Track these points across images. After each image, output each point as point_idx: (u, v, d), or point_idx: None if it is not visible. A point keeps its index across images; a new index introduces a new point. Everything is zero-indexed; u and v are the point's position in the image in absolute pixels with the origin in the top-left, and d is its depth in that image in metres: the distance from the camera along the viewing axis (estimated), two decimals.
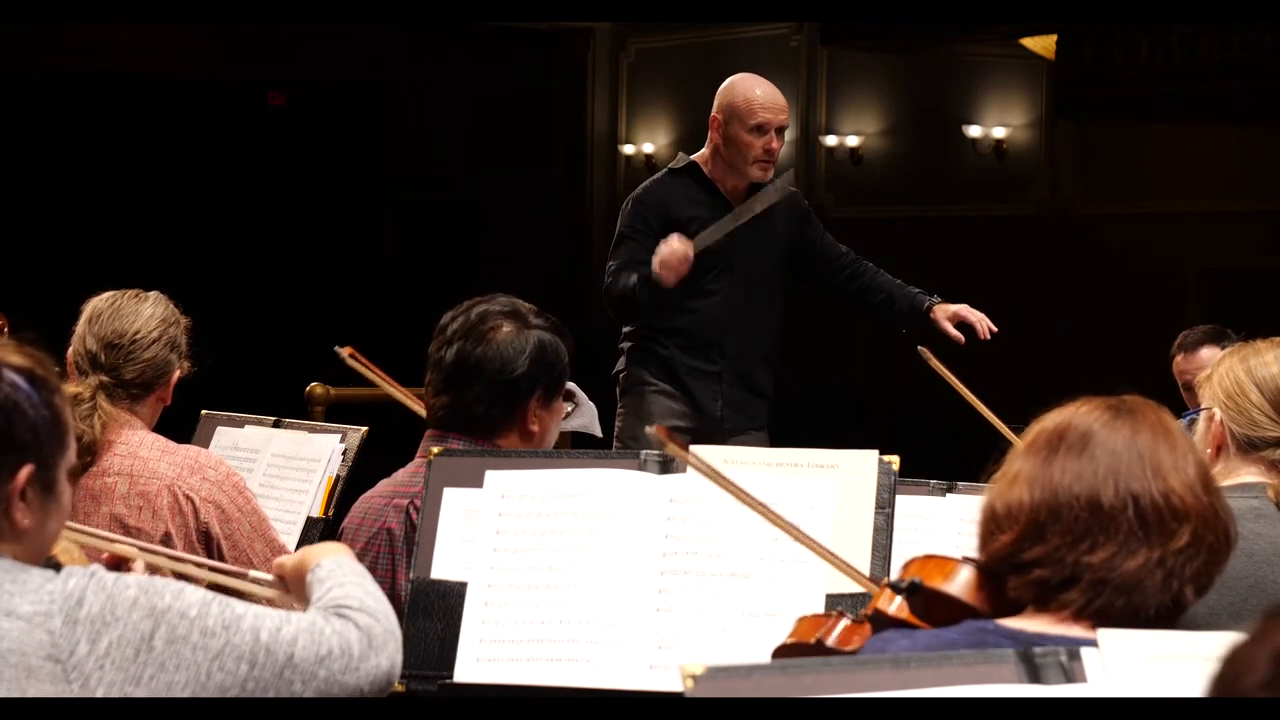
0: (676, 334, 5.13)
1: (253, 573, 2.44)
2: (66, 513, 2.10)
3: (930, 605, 2.10)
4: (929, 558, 2.17)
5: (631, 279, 4.95)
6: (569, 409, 3.32)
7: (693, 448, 2.81)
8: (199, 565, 2.53)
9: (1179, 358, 5.41)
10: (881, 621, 2.14)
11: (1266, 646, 1.30)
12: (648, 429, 2.39)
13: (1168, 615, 1.97)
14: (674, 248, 4.85)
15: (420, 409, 3.72)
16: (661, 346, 5.15)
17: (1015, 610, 2.03)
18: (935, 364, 3.91)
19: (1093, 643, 1.90)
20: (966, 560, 2.11)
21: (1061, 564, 1.96)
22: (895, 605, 2.13)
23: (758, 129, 5.06)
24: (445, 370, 3.17)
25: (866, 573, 2.58)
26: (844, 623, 2.25)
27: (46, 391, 2.05)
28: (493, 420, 3.15)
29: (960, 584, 2.09)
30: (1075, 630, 1.95)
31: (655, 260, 4.85)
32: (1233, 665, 1.32)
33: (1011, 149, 11.89)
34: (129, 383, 3.41)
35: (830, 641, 2.23)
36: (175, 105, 13.40)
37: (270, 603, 2.26)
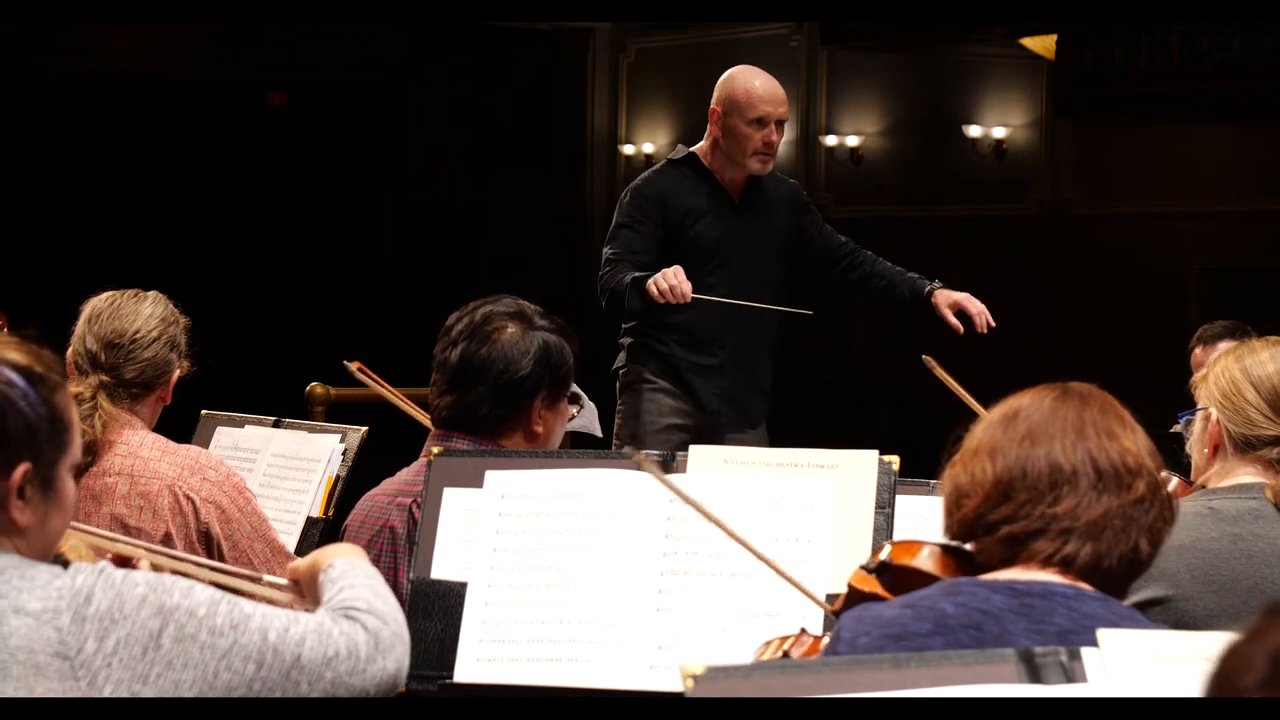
0: (676, 330, 5.11)
1: (267, 577, 2.44)
2: (70, 510, 2.10)
3: (899, 581, 2.17)
4: (898, 541, 2.26)
5: (626, 278, 4.92)
6: (574, 411, 3.32)
7: (692, 448, 2.83)
8: (214, 569, 2.53)
9: (1198, 350, 5.40)
10: (856, 598, 2.21)
11: (1264, 645, 1.29)
12: (625, 449, 2.40)
13: (1128, 566, 2.06)
14: (675, 286, 4.80)
15: (426, 420, 3.72)
16: (661, 343, 5.14)
17: None
18: (940, 373, 3.90)
19: (1063, 587, 2.01)
20: (932, 542, 2.19)
21: (1029, 517, 2.06)
22: (869, 584, 2.22)
23: (757, 122, 5.04)
24: (450, 371, 3.17)
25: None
26: (807, 639, 2.32)
27: (45, 389, 2.04)
28: (497, 421, 3.15)
29: (926, 559, 2.18)
30: (1044, 575, 2.04)
31: (653, 285, 4.81)
32: (1230, 664, 1.31)
33: (1011, 149, 11.89)
34: (129, 382, 3.40)
35: (796, 655, 2.29)
36: (175, 105, 13.41)
37: (290, 607, 2.26)
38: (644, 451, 2.29)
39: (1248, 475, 2.94)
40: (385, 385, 4.00)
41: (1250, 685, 1.28)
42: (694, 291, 4.99)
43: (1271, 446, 2.92)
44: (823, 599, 2.50)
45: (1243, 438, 2.94)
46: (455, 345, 3.18)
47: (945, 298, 5.05)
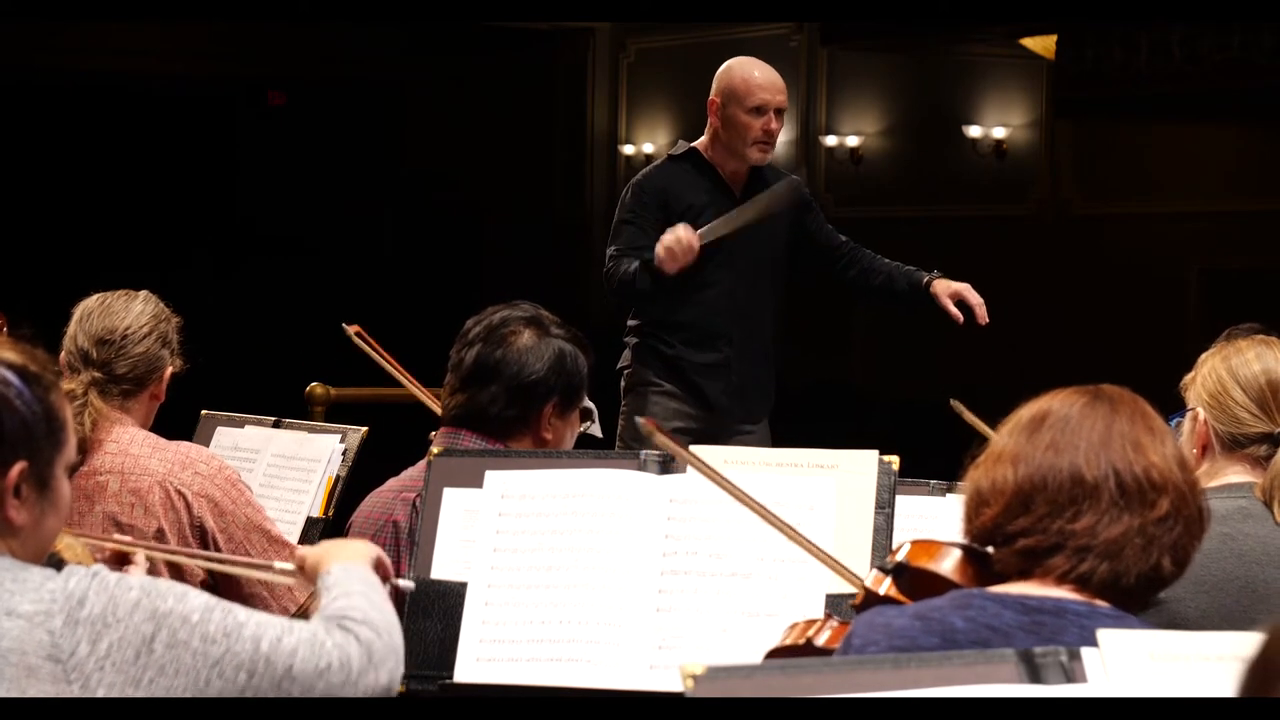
0: (680, 329, 5.10)
1: (278, 564, 2.46)
2: (65, 510, 2.10)
3: (917, 584, 2.16)
4: (916, 541, 2.23)
5: (632, 265, 4.93)
6: (585, 426, 3.33)
7: (692, 448, 2.82)
8: (224, 561, 2.54)
9: None
10: (872, 600, 2.20)
11: None
12: (637, 419, 2.41)
13: (1147, 584, 2.03)
14: (679, 236, 4.82)
15: (423, 395, 3.72)
16: (665, 344, 5.13)
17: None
18: (969, 417, 3.85)
19: (1076, 604, 1.99)
20: (952, 543, 2.16)
21: (1046, 532, 2.02)
22: (884, 586, 2.20)
23: (756, 110, 5.03)
24: (464, 371, 3.19)
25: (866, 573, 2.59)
26: (833, 624, 2.30)
27: (40, 388, 2.05)
28: (507, 422, 3.16)
29: (945, 563, 2.16)
30: (1058, 592, 2.02)
31: (659, 247, 4.82)
32: (1273, 645, 1.29)
33: (1011, 149, 11.89)
34: (121, 378, 3.41)
35: (820, 642, 2.28)
36: (175, 105, 13.40)
37: (291, 590, 2.27)
38: (642, 420, 2.29)
39: (1236, 474, 2.94)
40: (383, 353, 3.92)
41: None
42: (694, 292, 4.98)
43: (1259, 444, 2.93)
44: (855, 582, 2.48)
45: (1230, 436, 2.95)
46: (471, 347, 3.20)
47: (945, 287, 5.01)
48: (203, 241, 13.39)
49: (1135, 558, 2.01)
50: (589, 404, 3.33)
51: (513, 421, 3.16)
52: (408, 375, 3.92)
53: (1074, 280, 11.26)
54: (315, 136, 13.56)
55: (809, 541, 2.40)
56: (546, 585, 2.71)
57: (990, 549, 2.09)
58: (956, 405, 3.89)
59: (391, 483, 3.26)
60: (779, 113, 5.08)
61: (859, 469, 2.72)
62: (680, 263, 4.81)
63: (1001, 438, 2.11)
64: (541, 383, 3.16)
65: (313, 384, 6.05)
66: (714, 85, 5.12)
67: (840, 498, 2.71)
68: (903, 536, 2.78)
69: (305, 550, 2.31)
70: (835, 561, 2.44)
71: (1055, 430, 2.05)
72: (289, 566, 2.35)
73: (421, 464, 3.21)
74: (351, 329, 3.88)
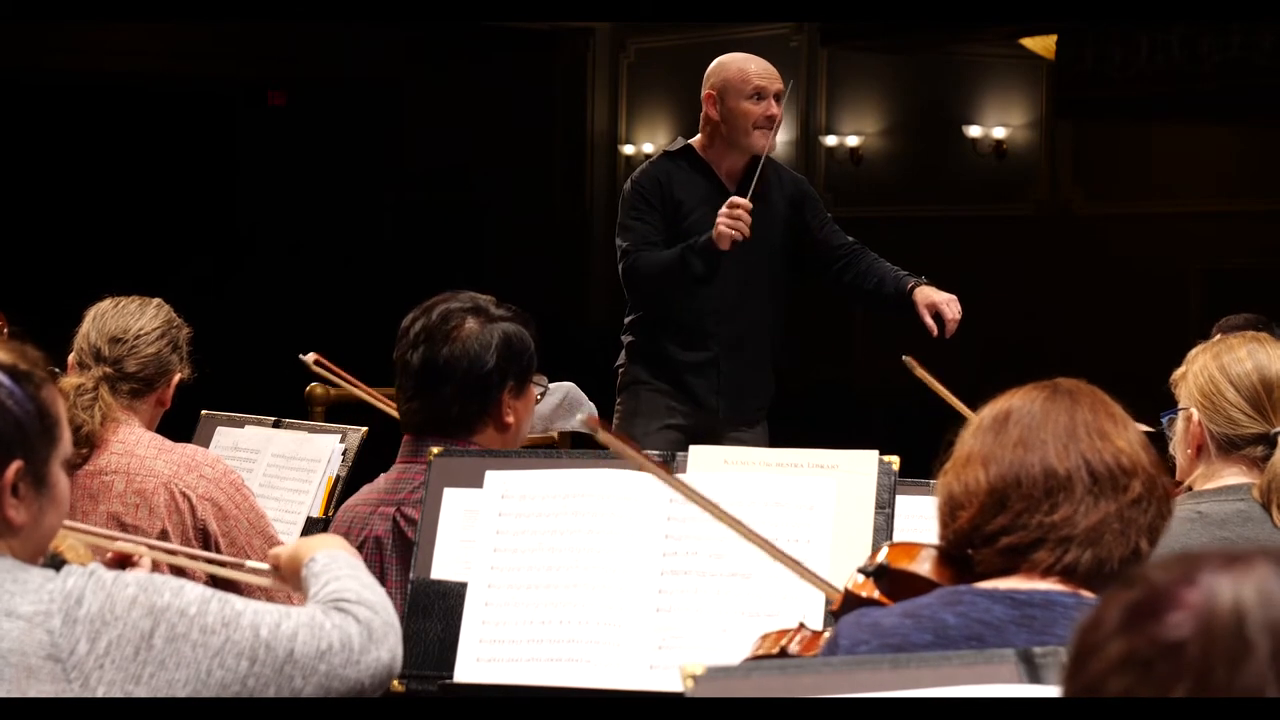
0: (671, 327, 5.07)
1: (249, 563, 2.46)
2: (64, 507, 2.10)
3: (898, 586, 2.16)
4: (896, 543, 2.25)
5: (665, 253, 4.91)
6: (540, 392, 3.31)
7: (693, 448, 2.83)
8: (195, 558, 2.54)
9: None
10: (853, 603, 2.20)
11: (1118, 601, 1.29)
12: (578, 417, 2.40)
13: (1128, 568, 2.04)
14: (740, 215, 4.79)
15: (388, 409, 3.70)
16: (657, 342, 5.10)
17: None
18: (920, 372, 3.86)
19: (1064, 595, 2.01)
20: (930, 544, 2.18)
21: (1027, 528, 2.04)
22: (866, 588, 2.21)
23: (756, 95, 5.01)
24: (414, 375, 3.17)
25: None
26: (805, 633, 2.31)
27: (31, 385, 2.05)
28: (468, 419, 3.15)
29: (925, 564, 2.17)
30: (1045, 584, 2.03)
31: (721, 220, 4.79)
32: (1091, 614, 1.31)
33: (1011, 149, 11.89)
34: (130, 376, 3.43)
35: (793, 650, 2.29)
36: (175, 105, 13.41)
37: (267, 592, 2.27)
38: (582, 417, 2.29)
39: (1234, 476, 2.91)
40: (345, 376, 3.89)
41: (1104, 637, 1.28)
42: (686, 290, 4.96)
43: (1255, 445, 2.90)
44: (832, 588, 2.48)
45: (1225, 438, 2.91)
46: (416, 348, 3.18)
47: (924, 296, 4.93)
48: (203, 241, 13.39)
49: (1115, 542, 2.03)
50: (565, 387, 3.31)
51: (474, 417, 3.15)
52: (372, 392, 3.87)
53: (1074, 280, 11.26)
54: (315, 136, 13.56)
55: (765, 540, 2.40)
56: (546, 585, 2.71)
57: (970, 552, 2.10)
58: (909, 360, 3.89)
59: (364, 494, 3.24)
60: (778, 97, 5.06)
61: (859, 469, 2.72)
62: (745, 226, 4.80)
63: (967, 440, 2.12)
64: (494, 372, 3.15)
65: (313, 384, 6.04)
66: (706, 81, 5.08)
67: (840, 498, 2.71)
68: (903, 537, 2.79)
69: (278, 549, 2.31)
70: (789, 558, 2.44)
71: (1021, 427, 2.07)
72: (263, 566, 2.34)
73: (393, 472, 3.21)
74: (309, 358, 3.81)
